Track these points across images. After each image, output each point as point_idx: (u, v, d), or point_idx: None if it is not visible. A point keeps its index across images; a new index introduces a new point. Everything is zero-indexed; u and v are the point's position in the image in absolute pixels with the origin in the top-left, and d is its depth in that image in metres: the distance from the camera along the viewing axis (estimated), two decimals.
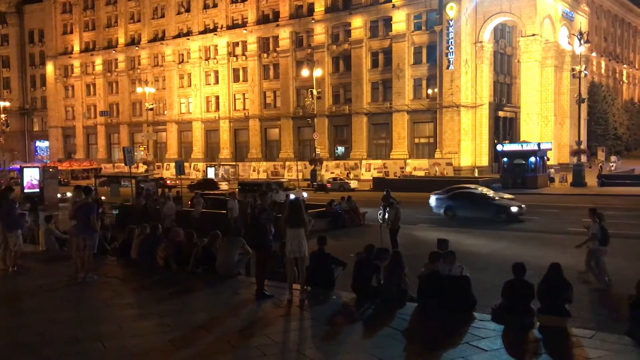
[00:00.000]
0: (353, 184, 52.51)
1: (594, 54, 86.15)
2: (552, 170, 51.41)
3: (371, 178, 56.57)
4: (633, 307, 8.45)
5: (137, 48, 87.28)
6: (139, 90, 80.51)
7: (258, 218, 11.25)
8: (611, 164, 61.83)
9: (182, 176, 39.18)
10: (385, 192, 25.00)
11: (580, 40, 49.97)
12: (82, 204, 12.86)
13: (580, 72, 48.15)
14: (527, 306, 9.16)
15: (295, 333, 9.35)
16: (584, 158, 53.19)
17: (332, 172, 61.73)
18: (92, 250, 12.96)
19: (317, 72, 61.59)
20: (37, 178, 38.95)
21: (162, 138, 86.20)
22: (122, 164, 51.78)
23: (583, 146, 54.47)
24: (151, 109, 74.12)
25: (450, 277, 10.25)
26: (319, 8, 71.13)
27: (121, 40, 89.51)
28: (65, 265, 14.04)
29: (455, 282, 10.09)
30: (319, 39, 71.23)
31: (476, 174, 57.85)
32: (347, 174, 61.64)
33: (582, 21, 70.44)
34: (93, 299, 11.72)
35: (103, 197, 27.70)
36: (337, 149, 72.77)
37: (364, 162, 64.92)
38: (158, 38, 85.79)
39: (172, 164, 58.67)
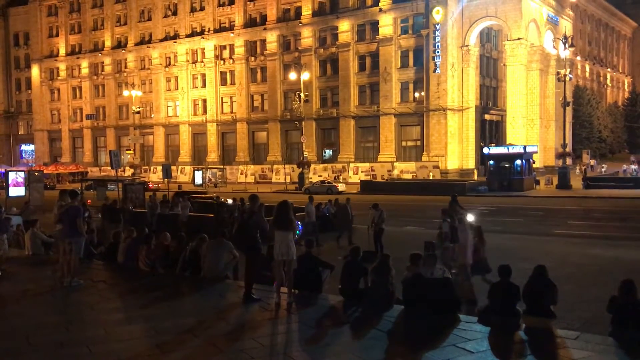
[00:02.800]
0: (341, 187, 52.57)
1: (578, 58, 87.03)
2: (534, 173, 51.87)
3: (359, 181, 56.72)
4: (616, 308, 8.54)
5: (123, 51, 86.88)
6: (125, 93, 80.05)
7: (247, 221, 11.24)
8: (603, 167, 62.66)
9: (170, 180, 39.01)
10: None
11: (564, 44, 50.53)
12: (68, 207, 12.77)
13: (565, 75, 48.72)
14: (513, 308, 9.23)
15: (282, 336, 9.35)
16: (569, 161, 53.73)
17: (320, 175, 61.83)
18: (79, 255, 12.88)
19: (305, 76, 61.68)
20: (22, 177, 38.62)
21: (149, 141, 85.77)
22: (109, 168, 51.51)
23: (568, 149, 55.03)
24: (138, 112, 73.85)
25: (432, 280, 10.29)
26: (307, 12, 71.26)
27: (107, 43, 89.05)
28: (51, 269, 13.94)
29: (438, 284, 10.14)
30: (307, 42, 71.33)
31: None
32: (335, 177, 61.70)
33: (566, 25, 71.17)
34: (79, 303, 11.65)
35: (89, 201, 27.53)
36: (324, 152, 72.84)
37: (351, 165, 65.06)
38: (145, 41, 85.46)
39: (159, 168, 58.55)
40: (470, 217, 20.98)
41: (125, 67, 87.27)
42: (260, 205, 11.45)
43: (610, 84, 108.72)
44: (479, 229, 14.02)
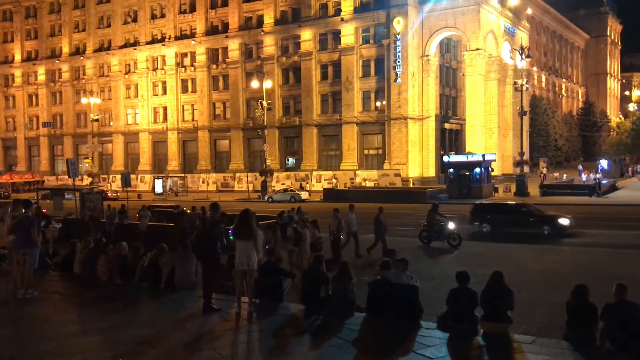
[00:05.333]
0: (304, 195, 52.55)
1: (535, 68, 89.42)
2: (493, 180, 52.82)
3: (322, 189, 56.81)
4: (570, 312, 8.76)
5: (82, 58, 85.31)
6: (83, 100, 78.44)
7: (209, 231, 11.11)
8: (564, 176, 64.32)
9: (129, 188, 38.30)
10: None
11: (521, 54, 51.77)
12: (22, 218, 12.45)
13: (522, 85, 49.85)
14: (471, 314, 9.37)
15: (243, 346, 9.29)
16: (526, 169, 54.90)
17: (283, 184, 61.68)
18: (33, 266, 12.54)
19: (267, 84, 61.58)
20: None
21: (107, 150, 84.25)
22: (66, 177, 50.38)
23: (526, 157, 56.24)
24: (96, 120, 72.43)
25: (398, 285, 10.36)
26: (269, 20, 71.29)
27: (65, 50, 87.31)
28: (4, 281, 13.53)
29: (403, 290, 10.21)
30: (269, 50, 71.31)
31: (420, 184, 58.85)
32: (300, 185, 61.64)
33: (523, 36, 73.02)
34: (33, 315, 11.34)
35: (45, 210, 26.84)
36: (287, 160, 72.78)
37: (314, 173, 65.14)
38: (104, 48, 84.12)
39: (119, 176, 57.47)
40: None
41: (84, 74, 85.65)
42: (222, 214, 11.35)
43: (565, 94, 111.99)
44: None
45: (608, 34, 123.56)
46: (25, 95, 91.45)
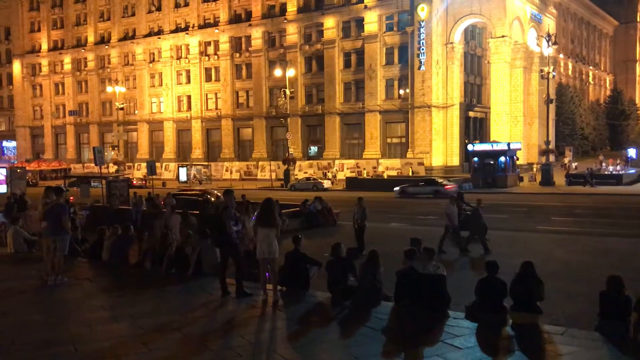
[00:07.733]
0: (326, 183, 52.51)
1: (561, 56, 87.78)
2: (518, 169, 52.24)
3: (344, 178, 56.75)
4: (602, 303, 8.63)
5: (107, 47, 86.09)
6: (109, 89, 79.31)
7: (220, 215, 11.16)
8: (582, 165, 63.33)
9: (154, 176, 38.70)
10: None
11: (548, 42, 50.90)
12: (53, 205, 12.63)
13: (548, 73, 49.02)
14: (500, 304, 9.27)
15: (269, 333, 9.33)
16: (552, 158, 54.18)
17: (306, 172, 61.75)
18: (63, 252, 12.75)
19: (290, 72, 61.50)
20: (4, 174, 37.96)
21: (132, 138, 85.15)
22: (92, 164, 51.05)
23: (551, 146, 55.47)
24: (121, 109, 73.26)
25: (425, 275, 10.29)
26: (292, 8, 71.08)
27: (90, 39, 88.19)
28: (35, 267, 13.78)
29: (430, 280, 10.14)
30: (292, 39, 71.16)
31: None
32: (324, 173, 61.62)
33: (549, 23, 71.72)
34: (64, 301, 11.54)
35: (72, 198, 27.25)
36: (310, 149, 72.79)
37: (337, 162, 65.07)
38: (128, 37, 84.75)
39: (144, 164, 58.10)
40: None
41: (109, 63, 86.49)
42: (246, 201, 11.41)
43: (592, 82, 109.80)
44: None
45: (638, 20, 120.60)
46: (52, 84, 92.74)
